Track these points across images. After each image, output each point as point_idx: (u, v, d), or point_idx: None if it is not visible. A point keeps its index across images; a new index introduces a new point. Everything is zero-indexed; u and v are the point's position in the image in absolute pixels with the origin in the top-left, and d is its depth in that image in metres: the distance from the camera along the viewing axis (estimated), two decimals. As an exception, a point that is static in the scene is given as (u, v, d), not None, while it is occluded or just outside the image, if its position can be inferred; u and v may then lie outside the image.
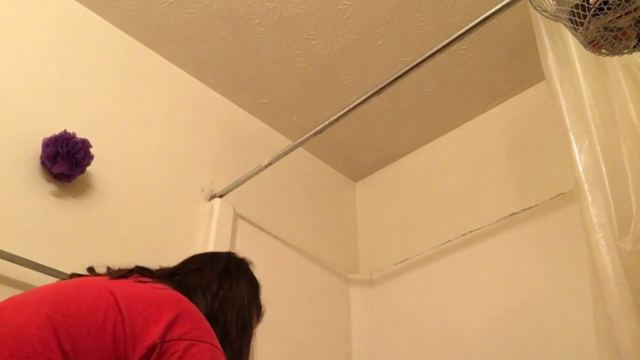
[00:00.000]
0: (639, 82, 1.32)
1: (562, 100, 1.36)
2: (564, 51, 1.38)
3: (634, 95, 1.29)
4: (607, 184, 1.23)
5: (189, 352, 0.79)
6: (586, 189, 1.26)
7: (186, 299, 0.90)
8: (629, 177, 1.23)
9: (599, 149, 1.26)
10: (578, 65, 1.34)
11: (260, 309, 1.13)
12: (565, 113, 1.35)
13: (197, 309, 0.90)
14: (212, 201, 1.93)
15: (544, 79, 1.49)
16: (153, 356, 0.77)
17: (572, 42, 1.34)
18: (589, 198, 1.24)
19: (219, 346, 0.86)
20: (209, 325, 0.88)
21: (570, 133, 1.33)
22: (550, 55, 1.41)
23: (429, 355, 1.96)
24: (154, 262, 1.67)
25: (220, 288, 1.03)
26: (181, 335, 0.81)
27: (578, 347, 1.57)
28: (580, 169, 1.28)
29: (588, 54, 1.28)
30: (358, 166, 2.59)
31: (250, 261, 1.18)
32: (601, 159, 1.25)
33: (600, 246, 1.19)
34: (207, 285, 1.02)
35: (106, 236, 1.61)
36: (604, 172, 1.24)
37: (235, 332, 0.99)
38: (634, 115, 1.26)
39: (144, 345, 0.78)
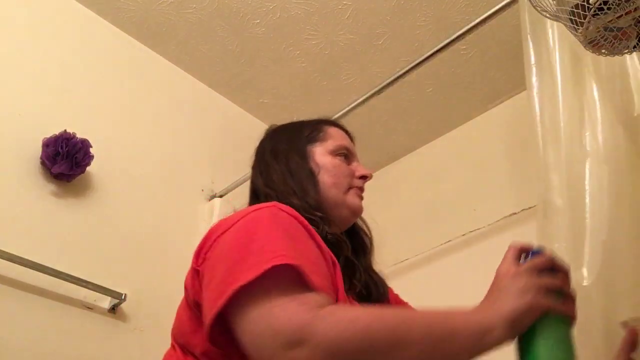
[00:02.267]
0: (614, 105, 1.29)
1: (537, 112, 1.35)
2: (547, 67, 1.37)
3: (605, 119, 1.25)
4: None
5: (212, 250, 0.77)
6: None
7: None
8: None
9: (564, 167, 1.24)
10: (559, 81, 1.32)
11: (301, 138, 1.05)
12: (539, 127, 1.34)
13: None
14: (212, 201, 1.93)
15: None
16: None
17: (557, 62, 1.33)
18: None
19: (251, 211, 0.80)
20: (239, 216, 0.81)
21: (541, 150, 1.31)
22: (534, 70, 1.41)
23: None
24: (153, 262, 1.68)
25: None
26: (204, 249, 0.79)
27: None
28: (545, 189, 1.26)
29: (570, 73, 1.27)
30: (358, 166, 2.59)
31: (271, 125, 1.14)
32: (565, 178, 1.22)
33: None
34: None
35: (106, 236, 1.61)
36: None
37: (278, 181, 0.97)
38: (600, 138, 1.23)
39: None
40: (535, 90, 1.37)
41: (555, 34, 1.34)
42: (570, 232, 1.16)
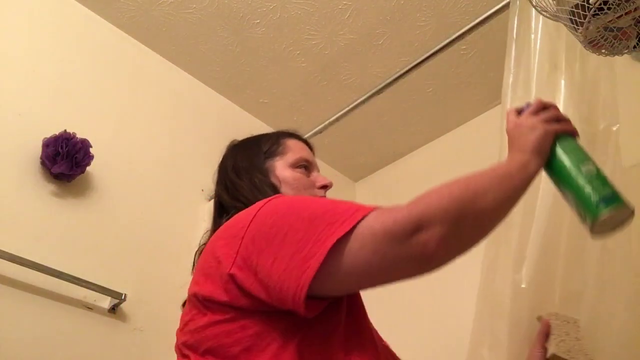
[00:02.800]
0: (579, 117, 1.29)
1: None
2: (525, 75, 1.37)
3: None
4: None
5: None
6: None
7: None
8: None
9: None
10: (534, 90, 1.32)
11: (261, 149, 1.07)
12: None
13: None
14: (212, 201, 1.92)
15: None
16: None
17: (535, 71, 1.34)
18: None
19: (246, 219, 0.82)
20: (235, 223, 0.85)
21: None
22: (511, 78, 1.41)
23: (430, 356, 1.96)
24: (153, 262, 1.68)
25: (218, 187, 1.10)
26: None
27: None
28: None
29: (545, 82, 1.28)
30: (358, 166, 2.59)
31: (232, 141, 1.17)
32: None
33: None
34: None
35: (106, 236, 1.61)
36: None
37: (240, 191, 1.01)
38: None
39: None
40: (509, 97, 1.38)
41: (538, 41, 1.35)
42: (517, 235, 1.20)
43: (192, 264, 1.01)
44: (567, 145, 0.87)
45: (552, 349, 1.01)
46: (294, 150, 1.07)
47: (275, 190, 0.99)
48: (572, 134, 0.89)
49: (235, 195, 1.01)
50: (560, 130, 0.87)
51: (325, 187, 1.06)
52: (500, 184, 0.77)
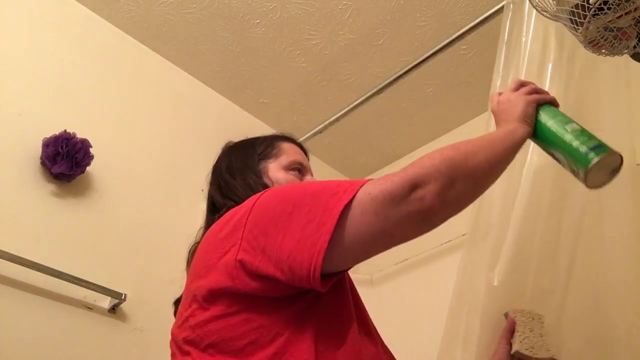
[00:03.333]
0: None
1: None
2: (514, 77, 1.38)
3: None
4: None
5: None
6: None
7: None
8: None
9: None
10: None
11: (255, 149, 1.10)
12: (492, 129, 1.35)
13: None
14: (211, 201, 1.93)
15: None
16: None
17: (523, 73, 1.35)
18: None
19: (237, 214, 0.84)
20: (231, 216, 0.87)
21: None
22: (499, 83, 1.42)
23: (430, 356, 1.96)
24: (153, 262, 1.68)
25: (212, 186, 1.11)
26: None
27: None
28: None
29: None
30: (358, 166, 2.59)
31: (227, 143, 1.17)
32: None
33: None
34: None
35: (106, 236, 1.61)
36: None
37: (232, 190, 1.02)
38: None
39: None
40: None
41: (529, 44, 1.36)
42: (494, 236, 1.22)
43: (186, 262, 1.02)
44: (549, 111, 0.94)
45: (515, 346, 1.05)
46: (288, 153, 1.08)
47: None
48: (553, 102, 0.96)
49: (228, 195, 1.02)
50: (540, 99, 0.94)
51: None
52: (490, 146, 0.83)
